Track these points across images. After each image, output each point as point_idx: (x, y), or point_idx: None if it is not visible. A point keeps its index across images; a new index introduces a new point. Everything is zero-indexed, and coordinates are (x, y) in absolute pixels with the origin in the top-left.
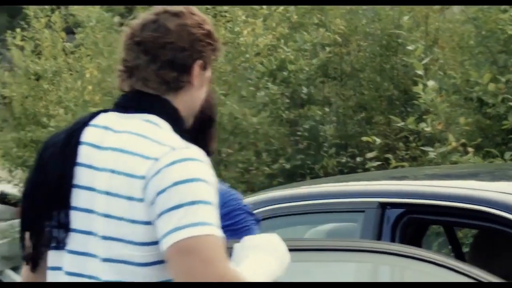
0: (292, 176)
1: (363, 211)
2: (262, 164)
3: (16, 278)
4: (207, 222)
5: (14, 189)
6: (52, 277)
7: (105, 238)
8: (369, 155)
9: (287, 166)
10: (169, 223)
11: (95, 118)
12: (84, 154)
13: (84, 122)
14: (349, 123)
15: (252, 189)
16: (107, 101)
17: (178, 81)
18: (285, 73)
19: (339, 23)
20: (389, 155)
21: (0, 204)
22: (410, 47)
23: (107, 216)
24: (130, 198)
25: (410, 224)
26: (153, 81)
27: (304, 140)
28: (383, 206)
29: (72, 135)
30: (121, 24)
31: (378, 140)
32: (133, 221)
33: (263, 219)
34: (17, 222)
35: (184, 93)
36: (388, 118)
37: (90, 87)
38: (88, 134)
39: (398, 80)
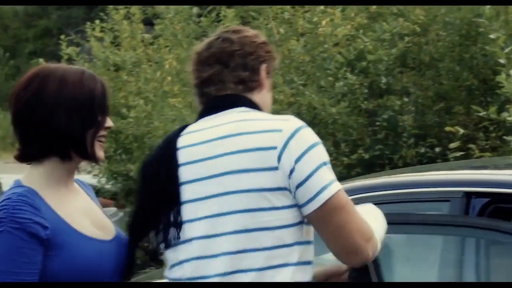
0: (371, 167)
1: (448, 201)
2: (340, 154)
3: None
4: (335, 178)
5: (93, 180)
6: (179, 271)
7: (239, 212)
8: (453, 145)
9: (366, 156)
10: (314, 185)
11: (185, 129)
12: (185, 155)
13: (176, 133)
14: (428, 113)
15: None
16: (186, 92)
17: (252, 81)
18: (363, 63)
19: (418, 13)
20: (472, 145)
21: None
22: (492, 36)
23: (238, 192)
24: (263, 169)
25: (495, 214)
26: (230, 81)
27: (382, 130)
28: (469, 195)
29: (169, 143)
30: (200, 16)
31: (461, 130)
32: (269, 189)
33: None
34: None
35: (257, 93)
36: (468, 108)
37: (169, 78)
38: (184, 140)
39: (477, 70)
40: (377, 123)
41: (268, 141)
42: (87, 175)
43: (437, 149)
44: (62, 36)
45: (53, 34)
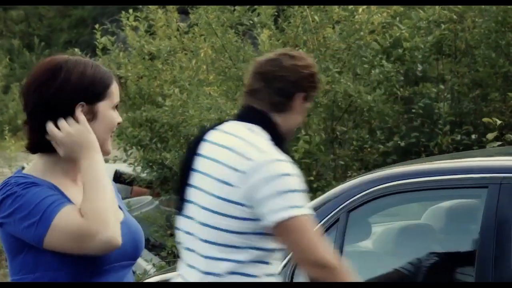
0: (407, 154)
1: (486, 187)
2: (376, 142)
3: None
4: (302, 205)
5: (129, 168)
6: (178, 236)
7: (204, 208)
8: (490, 135)
9: (402, 143)
10: (269, 207)
11: (220, 125)
12: (203, 147)
13: (212, 126)
14: (464, 100)
15: (366, 167)
16: (221, 80)
17: (282, 104)
18: (400, 51)
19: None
20: (510, 135)
21: (115, 183)
22: None
23: (209, 194)
24: (229, 184)
25: None
26: (265, 99)
27: (418, 117)
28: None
29: (202, 133)
30: (234, 5)
31: (498, 121)
32: (228, 201)
33: (384, 196)
34: (133, 200)
35: (285, 115)
36: (504, 95)
37: (204, 67)
38: (211, 134)
39: None
40: (413, 111)
41: (240, 165)
42: (123, 164)
43: (473, 136)
44: (97, 26)
45: (87, 24)
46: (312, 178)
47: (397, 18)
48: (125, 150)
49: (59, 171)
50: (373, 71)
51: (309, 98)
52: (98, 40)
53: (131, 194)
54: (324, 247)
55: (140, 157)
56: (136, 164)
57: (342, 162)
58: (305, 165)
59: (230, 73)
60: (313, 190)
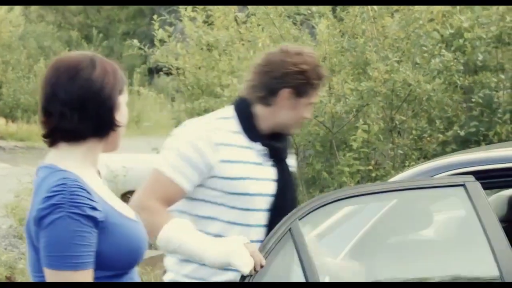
0: (466, 143)
1: None
2: (435, 131)
3: None
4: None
5: None
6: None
7: None
8: None
9: (461, 133)
10: None
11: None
12: None
13: None
14: None
15: (425, 156)
16: None
17: (266, 99)
18: (460, 41)
19: None
20: None
21: None
22: None
23: None
24: None
25: None
26: (251, 93)
27: (477, 106)
28: None
29: None
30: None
31: None
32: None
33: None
34: None
35: (271, 108)
36: None
37: None
38: None
39: None
40: (473, 100)
41: None
42: None
43: None
44: (155, 17)
45: (145, 14)
46: (370, 167)
47: (458, 8)
48: None
49: (89, 163)
50: (432, 60)
51: (303, 94)
52: (156, 31)
53: None
54: (146, 193)
55: None
56: None
57: (401, 151)
58: (364, 154)
59: None
60: (372, 180)
